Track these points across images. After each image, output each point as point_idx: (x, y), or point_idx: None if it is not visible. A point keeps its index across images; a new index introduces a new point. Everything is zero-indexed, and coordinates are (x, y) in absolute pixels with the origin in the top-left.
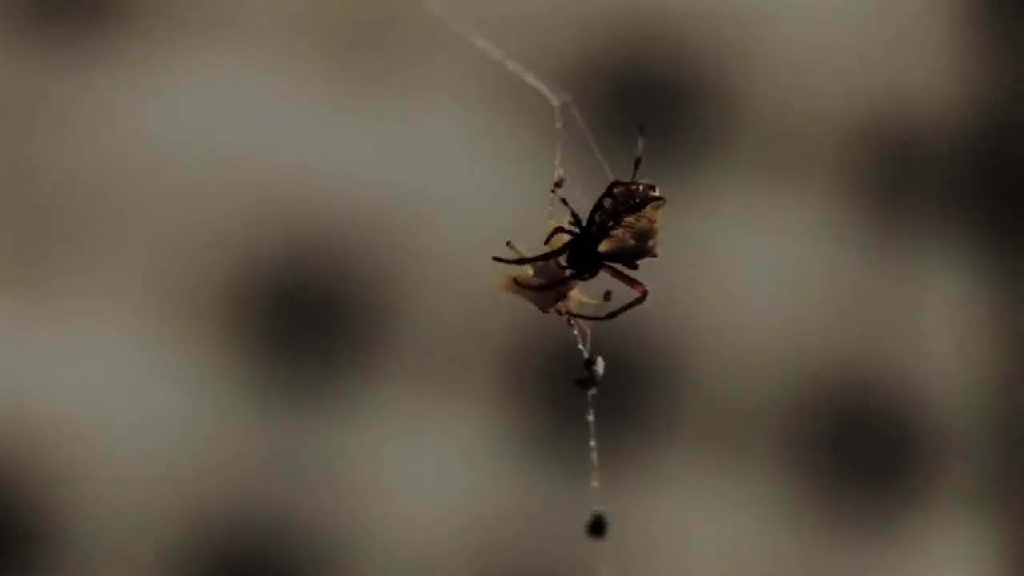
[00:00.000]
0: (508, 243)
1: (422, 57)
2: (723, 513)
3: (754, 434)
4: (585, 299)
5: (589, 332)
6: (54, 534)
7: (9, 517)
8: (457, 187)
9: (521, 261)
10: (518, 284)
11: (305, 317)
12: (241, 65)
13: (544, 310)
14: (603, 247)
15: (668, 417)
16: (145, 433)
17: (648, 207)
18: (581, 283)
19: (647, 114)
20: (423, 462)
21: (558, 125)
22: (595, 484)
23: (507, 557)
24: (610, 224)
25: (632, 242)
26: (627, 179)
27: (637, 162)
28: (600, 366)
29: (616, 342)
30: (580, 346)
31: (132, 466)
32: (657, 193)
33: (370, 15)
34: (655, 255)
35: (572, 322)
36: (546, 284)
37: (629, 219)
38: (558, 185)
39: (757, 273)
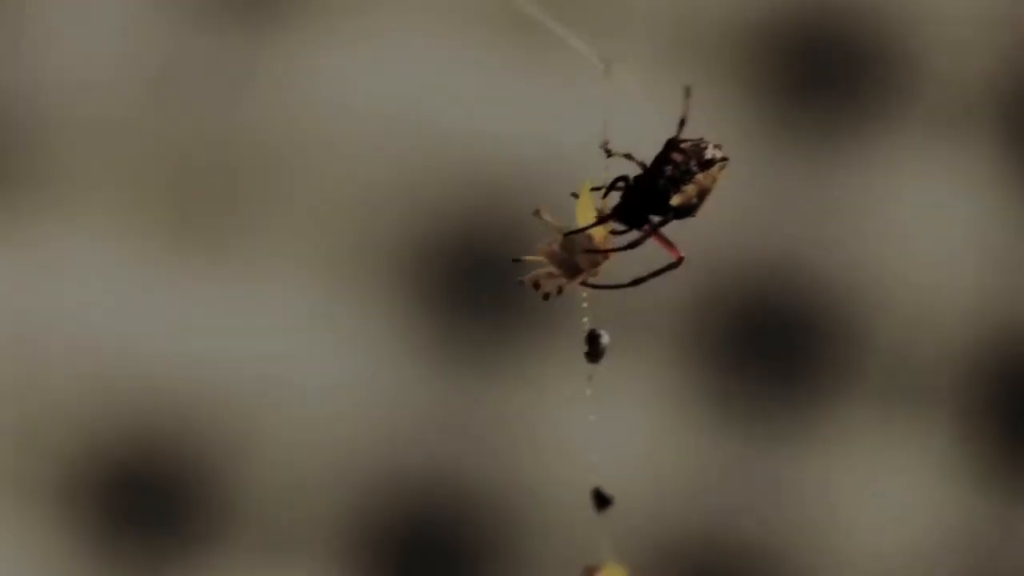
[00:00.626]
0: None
1: (611, 8)
2: (898, 471)
3: (927, 391)
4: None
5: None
6: (235, 499)
7: (190, 484)
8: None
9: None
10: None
11: (481, 281)
12: (412, 34)
13: (573, 278)
14: (674, 201)
15: (845, 372)
16: (327, 397)
17: (715, 166)
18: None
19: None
20: (605, 420)
21: (607, 82)
22: (591, 418)
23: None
24: (682, 179)
25: (696, 200)
26: (683, 137)
27: (682, 122)
28: (606, 339)
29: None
30: (585, 320)
31: (313, 430)
32: (723, 153)
33: None
34: (694, 216)
35: (586, 292)
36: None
37: (699, 176)
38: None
39: (935, 228)
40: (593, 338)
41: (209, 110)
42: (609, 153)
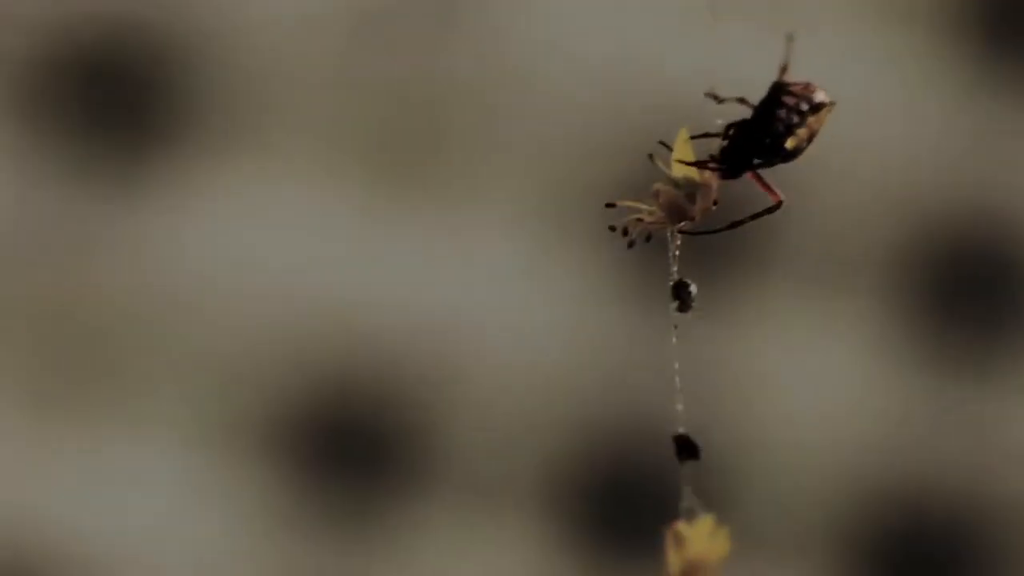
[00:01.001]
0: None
1: None
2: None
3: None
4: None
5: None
6: (440, 447)
7: (393, 431)
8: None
9: (700, 163)
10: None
11: None
12: None
13: (676, 223)
14: (789, 144)
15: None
16: (532, 344)
17: (824, 109)
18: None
19: None
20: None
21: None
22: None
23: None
24: (796, 122)
25: (805, 144)
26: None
27: (784, 68)
28: (694, 288)
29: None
30: (674, 269)
31: (518, 377)
32: (830, 97)
33: None
34: (797, 159)
35: (673, 237)
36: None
37: (810, 119)
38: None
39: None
40: (681, 286)
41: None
42: (719, 99)
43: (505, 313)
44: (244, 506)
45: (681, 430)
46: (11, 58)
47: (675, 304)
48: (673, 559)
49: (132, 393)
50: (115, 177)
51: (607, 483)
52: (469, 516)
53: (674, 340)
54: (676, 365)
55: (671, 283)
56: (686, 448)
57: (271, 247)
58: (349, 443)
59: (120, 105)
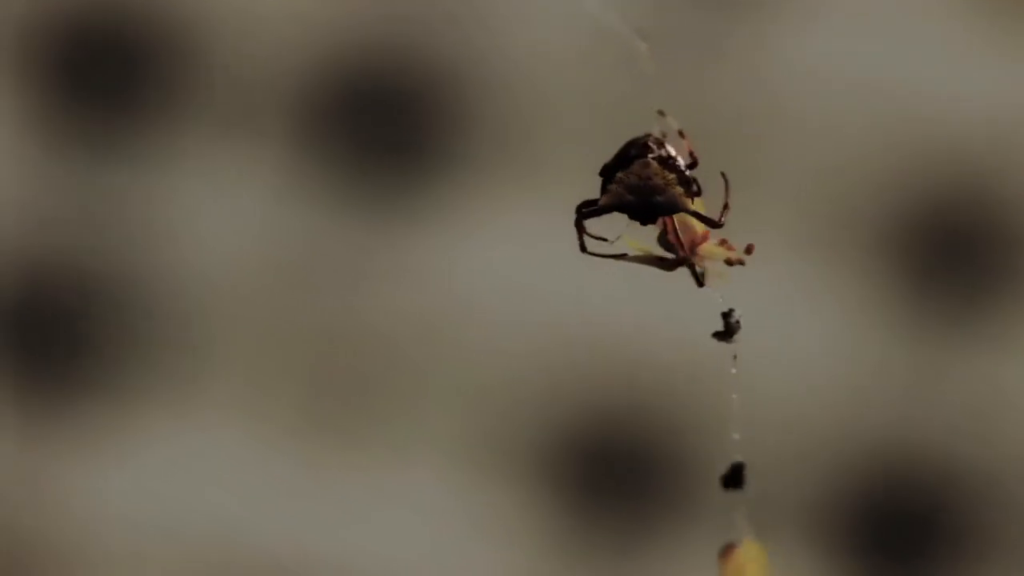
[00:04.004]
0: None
1: None
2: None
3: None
4: (724, 252)
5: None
6: (693, 473)
7: (649, 452)
8: None
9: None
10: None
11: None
12: None
13: (672, 269)
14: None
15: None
16: (789, 368)
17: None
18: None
19: None
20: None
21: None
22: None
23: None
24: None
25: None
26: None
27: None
28: (736, 318)
29: None
30: (720, 298)
31: (775, 404)
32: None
33: None
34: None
35: (701, 271)
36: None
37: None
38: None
39: None
40: (726, 316)
41: None
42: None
43: (765, 339)
44: (516, 530)
45: (738, 458)
46: (285, 89)
47: (717, 332)
48: None
49: (403, 418)
50: (382, 204)
51: (859, 509)
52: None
53: (733, 371)
54: (734, 396)
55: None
56: (734, 477)
57: (540, 277)
58: (618, 468)
59: (391, 133)
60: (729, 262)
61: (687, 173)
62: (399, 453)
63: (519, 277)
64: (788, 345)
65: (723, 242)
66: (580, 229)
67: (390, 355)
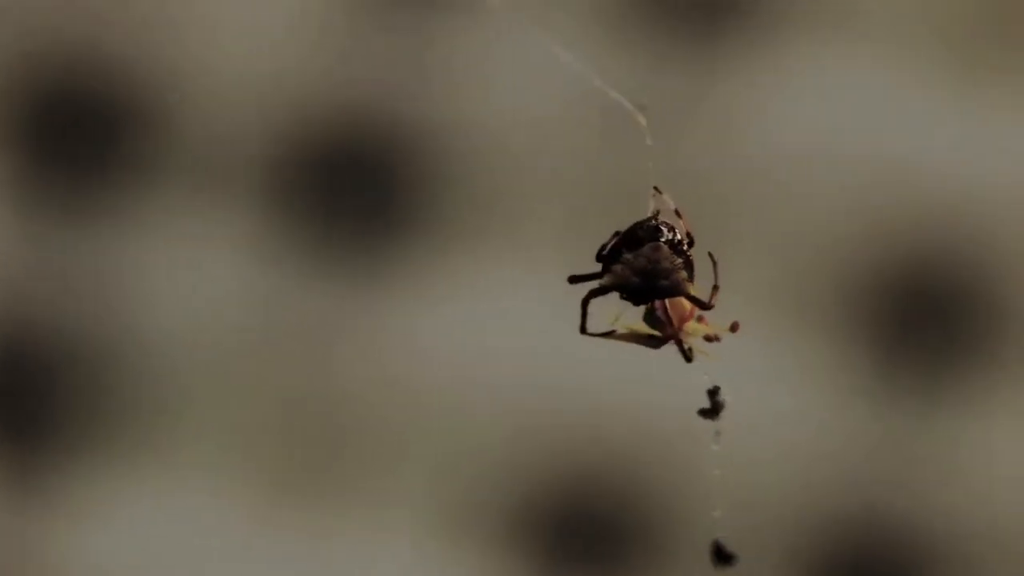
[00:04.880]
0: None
1: None
2: None
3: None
4: (706, 329)
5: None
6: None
7: (625, 515)
8: None
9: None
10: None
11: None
12: (855, 64)
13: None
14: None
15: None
16: (768, 433)
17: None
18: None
19: None
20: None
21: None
22: None
23: None
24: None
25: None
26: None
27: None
28: (722, 396)
29: None
30: (706, 375)
31: (753, 468)
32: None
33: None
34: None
35: (687, 348)
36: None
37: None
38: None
39: None
40: (712, 394)
41: None
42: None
43: (746, 404)
44: None
45: (721, 537)
46: (255, 154)
47: (703, 409)
48: None
49: (374, 482)
50: (352, 268)
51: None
52: None
53: (715, 447)
54: (717, 472)
55: (708, 389)
56: (721, 555)
57: (509, 338)
58: (591, 534)
59: (360, 197)
60: (709, 338)
61: (689, 256)
62: (371, 517)
63: (490, 341)
64: (760, 411)
65: (701, 319)
66: (584, 310)
67: (362, 419)
